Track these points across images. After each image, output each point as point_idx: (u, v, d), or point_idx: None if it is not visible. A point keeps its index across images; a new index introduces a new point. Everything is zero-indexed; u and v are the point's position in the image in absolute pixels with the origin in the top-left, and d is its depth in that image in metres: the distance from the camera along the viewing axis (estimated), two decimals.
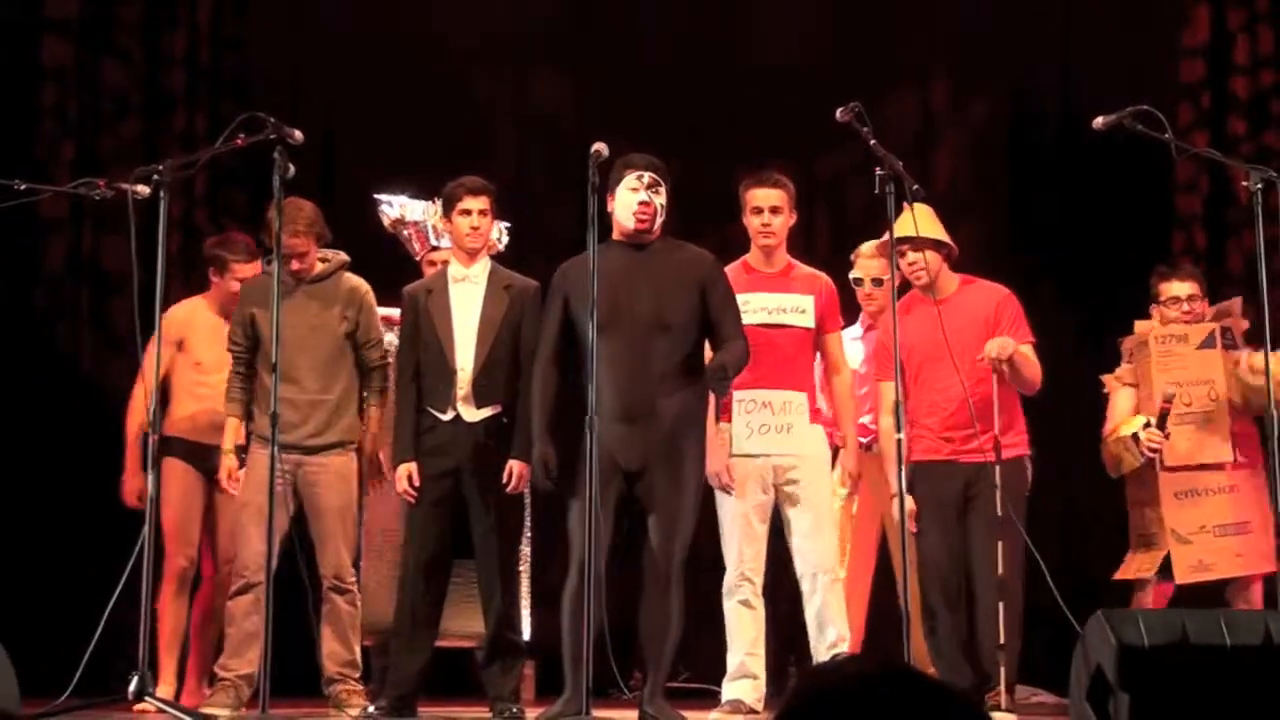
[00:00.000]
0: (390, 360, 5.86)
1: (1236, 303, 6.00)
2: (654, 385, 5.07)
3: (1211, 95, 7.56)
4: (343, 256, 5.86)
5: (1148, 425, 5.62)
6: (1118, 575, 5.85)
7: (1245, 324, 5.94)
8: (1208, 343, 5.73)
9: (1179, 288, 5.89)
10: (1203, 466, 5.69)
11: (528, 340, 5.43)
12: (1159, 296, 5.93)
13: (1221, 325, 5.80)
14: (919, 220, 5.61)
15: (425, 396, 5.55)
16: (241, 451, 5.74)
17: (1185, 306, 5.85)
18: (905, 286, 5.78)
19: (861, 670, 1.88)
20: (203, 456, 6.04)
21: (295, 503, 5.64)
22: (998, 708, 5.33)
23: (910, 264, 5.67)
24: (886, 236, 5.39)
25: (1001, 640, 5.38)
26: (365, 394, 5.79)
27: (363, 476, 5.81)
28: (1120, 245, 7.41)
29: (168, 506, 5.93)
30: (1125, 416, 5.81)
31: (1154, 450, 5.60)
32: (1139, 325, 6.00)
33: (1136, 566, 5.76)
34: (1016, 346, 5.57)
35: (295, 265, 5.65)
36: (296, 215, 5.57)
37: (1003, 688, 5.36)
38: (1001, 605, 5.39)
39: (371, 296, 5.84)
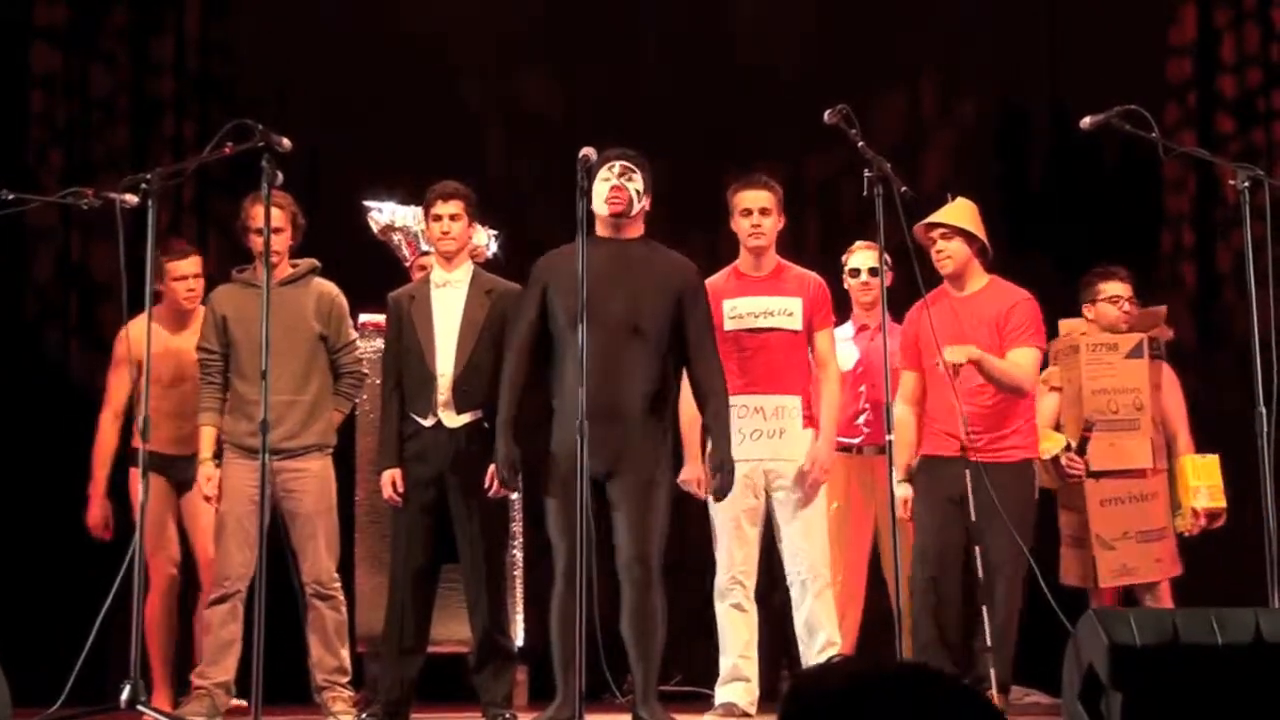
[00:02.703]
0: (362, 368, 5.86)
1: (1162, 311, 6.23)
2: (623, 386, 5.01)
3: (1199, 94, 7.57)
4: (312, 261, 5.83)
5: (1068, 448, 5.82)
6: (1064, 580, 5.99)
7: (1170, 334, 6.20)
8: (1135, 352, 5.93)
9: (1119, 288, 6.05)
10: (1125, 473, 5.88)
11: (509, 343, 5.34)
12: (1098, 295, 6.06)
13: (1149, 336, 5.98)
14: (955, 211, 5.63)
15: (407, 402, 5.53)
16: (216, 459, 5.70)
17: (1125, 306, 6.02)
18: (927, 283, 5.77)
19: (857, 671, 1.88)
20: (168, 466, 6.02)
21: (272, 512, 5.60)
22: None
23: (938, 252, 5.66)
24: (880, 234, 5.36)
25: (988, 643, 5.39)
26: (335, 397, 5.75)
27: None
28: (1108, 245, 7.42)
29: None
30: (1047, 423, 5.93)
31: (1074, 476, 5.84)
32: (1064, 325, 6.15)
33: (1078, 573, 5.97)
34: (978, 354, 5.41)
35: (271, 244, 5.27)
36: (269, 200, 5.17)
37: (994, 689, 5.36)
38: (985, 608, 5.40)
39: (343, 301, 5.80)
